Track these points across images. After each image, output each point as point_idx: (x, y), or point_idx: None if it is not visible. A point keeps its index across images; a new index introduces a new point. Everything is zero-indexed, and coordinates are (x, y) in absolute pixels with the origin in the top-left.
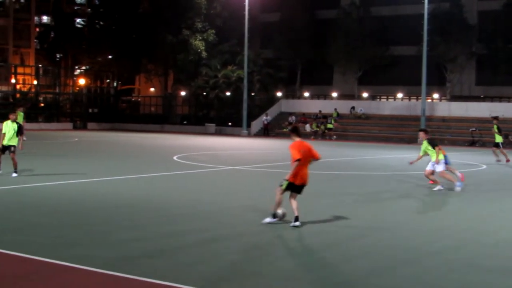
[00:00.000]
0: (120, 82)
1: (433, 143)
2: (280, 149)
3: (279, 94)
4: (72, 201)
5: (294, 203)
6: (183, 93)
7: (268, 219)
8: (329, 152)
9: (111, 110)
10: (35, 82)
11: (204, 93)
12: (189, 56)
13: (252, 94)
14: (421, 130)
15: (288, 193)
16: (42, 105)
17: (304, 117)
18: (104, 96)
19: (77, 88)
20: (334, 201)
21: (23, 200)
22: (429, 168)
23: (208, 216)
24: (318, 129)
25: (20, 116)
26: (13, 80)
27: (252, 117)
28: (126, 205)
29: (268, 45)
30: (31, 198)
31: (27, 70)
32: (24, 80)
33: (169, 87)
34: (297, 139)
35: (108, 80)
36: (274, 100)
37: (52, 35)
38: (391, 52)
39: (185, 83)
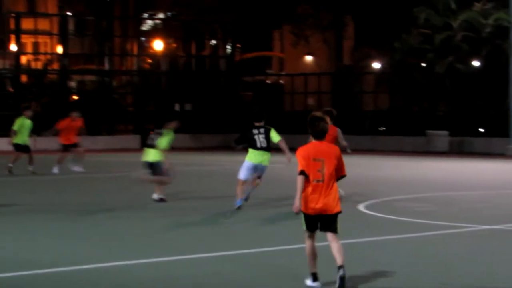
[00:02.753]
0: (239, 47)
1: None
2: None
3: None
4: None
5: (333, 246)
6: (376, 66)
7: (309, 282)
8: None
9: (221, 106)
10: (59, 50)
11: (423, 64)
12: None
13: None
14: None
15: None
16: (75, 98)
17: None
18: (206, 77)
19: (149, 61)
20: None
21: None
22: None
23: None
24: None
25: (24, 125)
26: (13, 47)
27: None
28: None
29: None
30: None
31: (43, 25)
32: (36, 45)
33: (346, 53)
34: (312, 140)
35: (213, 42)
36: None
37: None
38: None
39: (382, 44)
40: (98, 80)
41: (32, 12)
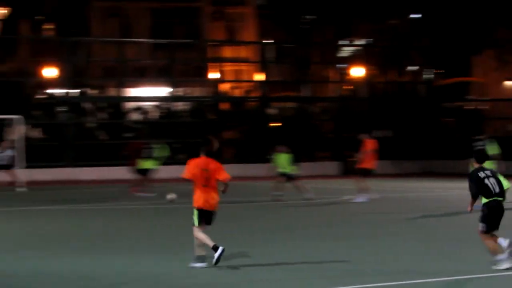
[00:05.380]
0: (438, 72)
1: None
2: None
3: None
4: None
5: (206, 234)
6: None
7: (197, 264)
8: None
9: (422, 132)
10: (258, 77)
11: None
12: None
13: None
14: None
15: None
16: (275, 125)
17: None
18: (405, 103)
19: (346, 87)
20: None
21: None
22: None
23: None
24: None
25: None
26: (213, 75)
27: None
28: None
29: None
30: None
31: (242, 52)
32: (235, 73)
33: None
34: (202, 156)
35: (412, 68)
36: None
37: None
38: None
39: None
40: (297, 106)
41: (232, 40)
